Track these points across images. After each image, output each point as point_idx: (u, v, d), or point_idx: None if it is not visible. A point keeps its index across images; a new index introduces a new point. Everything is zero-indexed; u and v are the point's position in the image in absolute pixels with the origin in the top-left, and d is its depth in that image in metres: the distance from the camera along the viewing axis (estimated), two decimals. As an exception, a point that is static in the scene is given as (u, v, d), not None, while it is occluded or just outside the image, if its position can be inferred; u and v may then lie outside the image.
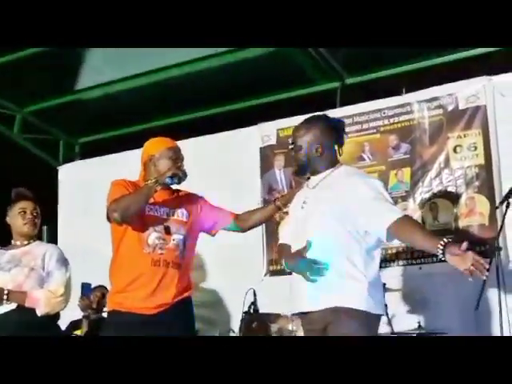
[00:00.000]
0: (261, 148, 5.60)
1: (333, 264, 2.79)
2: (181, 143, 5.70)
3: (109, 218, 3.10)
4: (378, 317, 2.87)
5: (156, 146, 3.30)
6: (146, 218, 3.12)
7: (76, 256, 4.61)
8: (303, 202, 2.99)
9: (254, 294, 4.60)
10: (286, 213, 3.45)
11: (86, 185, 5.93)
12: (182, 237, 3.18)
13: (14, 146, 6.43)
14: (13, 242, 3.79)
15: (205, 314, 5.32)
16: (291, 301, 2.99)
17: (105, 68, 5.61)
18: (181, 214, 3.23)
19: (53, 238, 6.16)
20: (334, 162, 3.03)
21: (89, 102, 6.20)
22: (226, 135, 5.84)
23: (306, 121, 3.08)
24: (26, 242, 3.75)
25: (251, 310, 4.58)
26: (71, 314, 4.69)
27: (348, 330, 2.73)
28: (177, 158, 3.24)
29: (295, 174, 3.16)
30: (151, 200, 3.14)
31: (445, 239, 2.55)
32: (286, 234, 3.18)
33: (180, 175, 3.12)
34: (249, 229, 3.49)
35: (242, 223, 3.43)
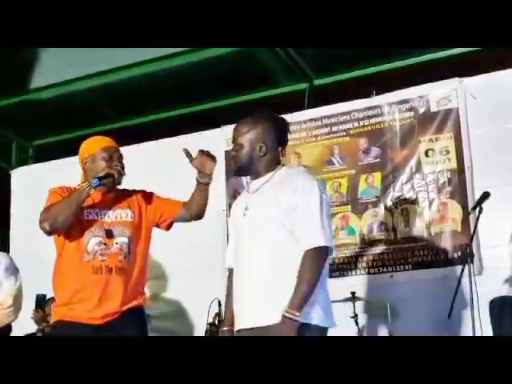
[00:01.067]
0: (226, 151, 5.39)
1: (278, 274, 2.64)
2: (140, 146, 5.74)
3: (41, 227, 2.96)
4: (326, 330, 2.68)
5: (89, 147, 3.16)
6: (85, 224, 3.00)
7: (30, 265, 4.42)
8: (245, 208, 2.81)
9: (219, 304, 4.45)
10: None
11: (41, 189, 5.66)
12: (126, 239, 3.03)
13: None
14: None
15: (166, 325, 5.21)
16: (235, 313, 2.79)
17: (59, 67, 5.39)
18: (124, 214, 3.10)
19: (4, 246, 5.91)
20: (276, 164, 2.85)
21: (43, 103, 5.98)
22: (188, 138, 5.62)
23: (249, 118, 2.88)
24: None
25: (216, 322, 4.47)
26: (24, 327, 4.45)
27: None
28: (110, 157, 3.08)
29: (234, 175, 2.97)
30: (89, 203, 3.02)
31: (285, 313, 2.53)
32: (229, 253, 2.94)
33: (114, 175, 3.00)
34: (196, 215, 3.25)
35: (187, 210, 3.23)
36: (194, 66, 5.33)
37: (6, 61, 5.15)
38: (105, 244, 2.98)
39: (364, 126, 5.05)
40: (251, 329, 2.65)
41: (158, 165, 5.55)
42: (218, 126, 5.48)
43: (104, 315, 2.92)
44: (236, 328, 2.77)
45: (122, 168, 3.11)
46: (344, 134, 5.11)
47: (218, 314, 4.48)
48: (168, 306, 5.35)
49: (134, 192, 3.22)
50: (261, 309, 2.64)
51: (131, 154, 5.62)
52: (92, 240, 2.97)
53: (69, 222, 2.93)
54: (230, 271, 2.92)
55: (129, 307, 2.98)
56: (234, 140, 2.86)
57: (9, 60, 5.15)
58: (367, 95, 5.06)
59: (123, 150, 5.64)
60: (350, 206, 4.97)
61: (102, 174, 2.98)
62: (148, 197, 3.23)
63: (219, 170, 5.27)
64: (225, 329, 2.86)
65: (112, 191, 3.13)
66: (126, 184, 3.18)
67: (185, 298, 5.28)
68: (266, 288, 2.64)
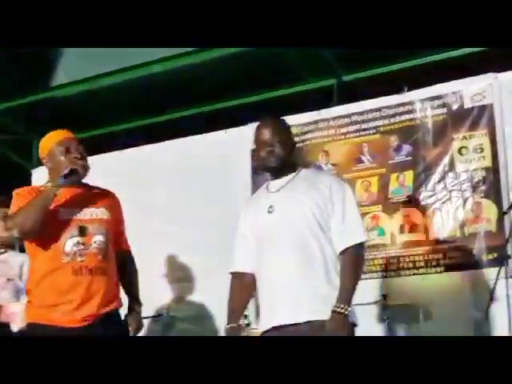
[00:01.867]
0: (252, 149, 5.34)
1: (314, 268, 2.69)
2: (168, 144, 5.71)
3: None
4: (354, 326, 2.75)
5: (44, 145, 3.04)
6: (59, 224, 2.87)
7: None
8: (269, 206, 2.81)
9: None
10: None
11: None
12: (103, 237, 2.93)
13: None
14: None
15: (189, 328, 5.19)
16: (263, 313, 2.82)
17: (80, 65, 5.40)
18: (100, 212, 2.98)
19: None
20: (297, 165, 2.95)
21: (63, 101, 5.99)
22: (215, 136, 5.61)
23: (275, 118, 2.99)
24: (2, 251, 3.70)
25: (244, 324, 4.34)
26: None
27: None
28: (67, 150, 2.93)
29: (264, 170, 2.94)
30: (62, 201, 2.89)
31: (336, 309, 2.62)
32: (242, 257, 2.94)
33: (78, 169, 2.85)
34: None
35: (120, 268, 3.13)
36: (221, 63, 5.30)
37: (26, 60, 5.24)
38: (83, 244, 2.87)
39: (395, 122, 4.94)
40: (291, 325, 2.65)
41: (183, 162, 5.52)
42: (245, 124, 5.39)
43: (84, 317, 2.83)
44: (268, 326, 2.75)
45: (83, 158, 2.95)
46: (374, 131, 5.01)
47: (246, 316, 4.39)
48: (193, 309, 5.33)
49: (107, 191, 3.14)
50: (300, 305, 2.66)
51: (157, 151, 5.71)
52: (69, 241, 2.86)
53: (38, 226, 2.79)
54: (237, 274, 2.94)
55: (108, 310, 2.91)
56: (274, 135, 2.85)
57: (29, 59, 5.22)
58: (398, 91, 4.96)
59: (148, 148, 5.72)
60: (380, 206, 4.87)
61: (65, 172, 2.83)
62: (119, 208, 3.15)
63: (244, 169, 5.33)
64: (233, 325, 2.88)
65: (84, 187, 3.02)
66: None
67: (210, 300, 5.21)
68: (302, 283, 2.67)
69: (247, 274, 2.91)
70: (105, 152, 5.89)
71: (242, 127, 5.42)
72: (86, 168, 2.89)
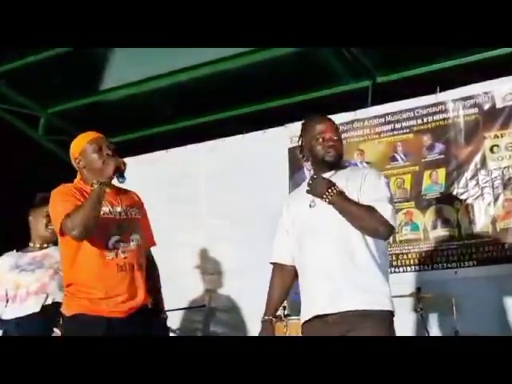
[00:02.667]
0: (289, 149, 5.48)
1: (355, 259, 2.73)
2: (206, 145, 5.87)
3: (61, 232, 2.90)
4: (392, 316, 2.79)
5: (76, 146, 3.09)
6: (101, 222, 2.91)
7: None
8: (312, 201, 2.87)
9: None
10: None
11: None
12: (138, 236, 3.04)
13: (38, 147, 6.34)
14: (31, 244, 3.79)
15: (226, 318, 5.30)
16: (304, 303, 2.88)
17: (130, 68, 5.53)
18: (133, 212, 3.09)
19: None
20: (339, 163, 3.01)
21: (114, 103, 6.12)
22: (253, 136, 5.75)
23: (329, 117, 3.06)
24: (45, 245, 3.74)
25: (283, 314, 4.40)
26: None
27: (374, 335, 2.62)
28: (100, 148, 3.02)
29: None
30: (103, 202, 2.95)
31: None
32: (282, 248, 3.04)
33: (121, 166, 2.93)
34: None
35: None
36: (257, 66, 5.34)
37: (80, 63, 5.36)
38: (123, 241, 2.96)
39: (428, 122, 5.02)
40: (332, 314, 2.71)
41: (223, 160, 5.68)
42: (282, 124, 5.55)
43: (128, 309, 2.93)
44: (309, 316, 2.82)
45: (115, 155, 3.01)
46: (407, 130, 5.09)
47: (285, 307, 4.45)
48: (232, 300, 5.41)
49: (132, 191, 3.21)
50: (340, 294, 2.71)
51: (199, 151, 5.88)
52: (112, 238, 2.94)
53: (95, 225, 2.85)
54: (278, 266, 3.04)
55: (145, 302, 3.01)
56: (337, 131, 2.97)
57: (82, 62, 5.35)
58: (431, 92, 5.03)
59: (190, 148, 5.88)
60: (413, 203, 4.95)
61: (111, 172, 2.88)
62: (143, 207, 3.23)
63: (283, 169, 5.47)
64: (267, 318, 2.99)
65: (114, 188, 3.09)
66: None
67: (248, 291, 5.21)
68: (343, 274, 2.73)
69: (287, 266, 2.99)
70: (150, 152, 6.09)
71: (279, 128, 5.57)
72: (125, 165, 2.95)
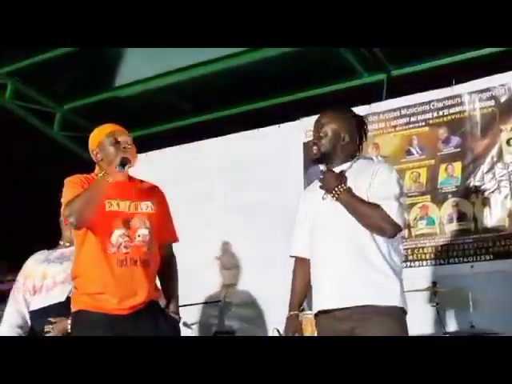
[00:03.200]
0: (304, 143, 5.47)
1: (364, 254, 2.72)
2: (220, 140, 5.88)
3: (65, 220, 2.94)
4: (406, 315, 2.76)
5: (94, 138, 3.07)
6: (106, 215, 2.91)
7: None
8: (324, 193, 2.87)
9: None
10: None
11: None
12: (147, 231, 2.97)
13: (54, 144, 6.37)
14: (61, 242, 3.79)
15: (245, 313, 5.29)
16: (314, 297, 2.87)
17: (144, 64, 5.53)
18: (145, 206, 3.03)
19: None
20: (354, 155, 2.96)
21: (129, 99, 6.13)
22: (267, 130, 5.74)
23: (333, 109, 3.03)
24: (67, 244, 3.70)
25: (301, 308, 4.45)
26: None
27: (382, 331, 2.60)
28: (117, 141, 2.98)
29: (316, 162, 2.96)
30: (109, 193, 2.92)
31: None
32: (299, 241, 3.03)
33: (129, 158, 2.91)
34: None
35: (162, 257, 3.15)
36: (272, 60, 5.31)
37: (88, 61, 5.40)
38: (128, 236, 2.91)
39: (443, 115, 4.99)
40: (339, 309, 2.70)
41: (239, 155, 5.69)
42: (297, 119, 5.53)
43: (130, 307, 2.87)
44: (318, 309, 2.82)
45: (132, 148, 2.98)
46: (423, 124, 5.06)
47: None
48: (247, 295, 5.40)
49: (153, 186, 3.18)
50: (348, 290, 2.70)
51: (215, 146, 5.88)
52: (116, 232, 2.90)
53: (93, 213, 2.85)
54: (299, 259, 3.02)
55: (150, 300, 2.94)
56: (320, 128, 2.94)
57: (91, 60, 5.39)
58: (446, 85, 4.99)
59: (204, 143, 5.89)
60: (429, 196, 4.92)
61: (118, 161, 2.88)
62: (164, 202, 3.18)
63: (297, 162, 5.45)
64: (293, 313, 2.96)
65: (130, 181, 3.07)
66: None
67: (264, 286, 5.27)
68: (351, 269, 2.72)
69: (306, 259, 2.97)
70: (166, 147, 6.12)
71: (294, 122, 5.56)
72: (135, 158, 2.94)
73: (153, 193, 3.13)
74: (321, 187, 2.84)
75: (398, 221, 2.72)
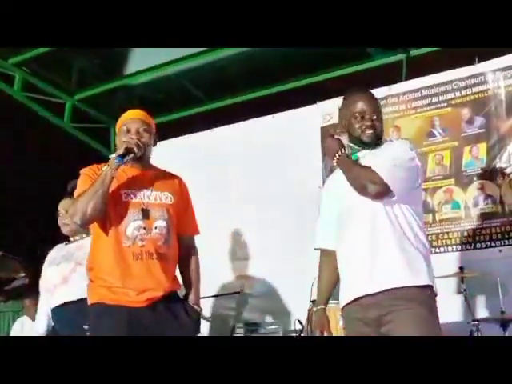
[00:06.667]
0: (322, 127, 5.34)
1: (386, 240, 2.63)
2: (238, 126, 5.78)
3: None
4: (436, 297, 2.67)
5: (117, 125, 2.99)
6: (123, 206, 2.82)
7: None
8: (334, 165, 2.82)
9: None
10: None
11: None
12: (165, 223, 2.88)
13: (64, 135, 6.34)
14: (71, 238, 3.77)
15: (259, 304, 5.26)
16: (342, 289, 2.78)
17: (150, 53, 5.42)
18: (164, 196, 2.93)
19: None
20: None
21: (138, 87, 6.10)
22: (284, 116, 5.63)
23: (370, 92, 2.90)
24: (84, 235, 3.67)
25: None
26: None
27: (411, 320, 2.52)
28: (128, 130, 2.89)
29: (368, 143, 2.77)
30: (127, 182, 2.85)
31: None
32: (324, 232, 2.91)
33: (133, 149, 2.80)
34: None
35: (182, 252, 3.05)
36: None
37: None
38: (144, 228, 2.82)
39: (466, 95, 4.87)
40: (370, 295, 2.61)
41: (257, 142, 5.58)
42: (315, 102, 5.43)
43: (148, 299, 2.80)
44: (347, 300, 2.72)
45: (141, 139, 2.88)
46: (445, 104, 4.94)
47: None
48: (265, 286, 5.35)
49: (174, 175, 3.07)
50: (375, 275, 2.62)
51: (233, 132, 5.79)
52: (131, 224, 2.82)
53: (99, 210, 2.75)
54: (324, 251, 2.91)
55: (167, 293, 2.86)
56: (377, 109, 2.82)
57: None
58: (468, 63, 4.85)
59: (225, 129, 5.79)
60: (453, 180, 4.81)
61: (121, 152, 2.78)
62: (186, 193, 3.08)
63: (315, 147, 5.34)
64: (320, 307, 2.87)
65: (150, 170, 2.97)
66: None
67: (282, 277, 5.23)
68: (375, 256, 2.64)
69: (333, 252, 2.87)
70: (178, 136, 6.02)
71: (311, 106, 5.45)
72: (139, 147, 2.84)
73: (173, 183, 3.03)
74: (324, 152, 2.77)
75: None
